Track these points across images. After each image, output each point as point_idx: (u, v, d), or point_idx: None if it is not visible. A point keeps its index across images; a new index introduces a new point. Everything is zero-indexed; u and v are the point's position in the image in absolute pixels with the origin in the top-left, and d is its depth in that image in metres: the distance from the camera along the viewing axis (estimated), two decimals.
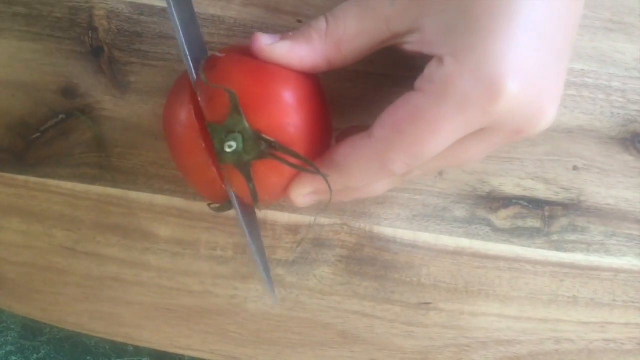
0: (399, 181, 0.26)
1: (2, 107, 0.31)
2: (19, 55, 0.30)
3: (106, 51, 0.30)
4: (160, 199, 0.31)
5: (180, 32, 0.24)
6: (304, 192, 0.25)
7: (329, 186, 0.24)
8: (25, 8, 0.30)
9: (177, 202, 0.31)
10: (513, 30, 0.21)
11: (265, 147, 0.23)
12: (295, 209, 0.31)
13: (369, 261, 0.32)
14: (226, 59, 0.24)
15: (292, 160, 0.23)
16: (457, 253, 0.32)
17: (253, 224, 0.29)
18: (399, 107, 0.22)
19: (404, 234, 0.32)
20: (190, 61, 0.25)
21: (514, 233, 0.32)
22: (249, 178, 0.24)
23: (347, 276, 0.32)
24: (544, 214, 0.32)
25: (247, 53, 0.25)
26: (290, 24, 0.30)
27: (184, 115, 0.24)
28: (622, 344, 0.32)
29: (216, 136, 0.24)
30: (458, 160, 0.24)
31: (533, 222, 0.32)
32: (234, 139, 0.23)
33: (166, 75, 0.30)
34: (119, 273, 0.32)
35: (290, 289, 0.32)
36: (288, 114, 0.23)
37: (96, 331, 0.33)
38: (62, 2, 0.30)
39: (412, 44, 0.23)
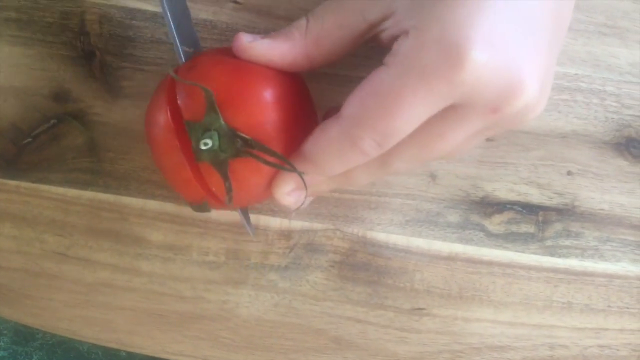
0: (380, 170, 0.25)
1: None
2: (10, 60, 0.30)
3: (98, 56, 0.30)
4: (152, 204, 0.31)
5: (172, 26, 0.25)
6: (286, 190, 0.25)
7: (304, 183, 0.23)
8: (17, 13, 0.30)
9: (169, 207, 0.31)
10: (480, 1, 0.20)
11: (241, 145, 0.23)
12: (287, 214, 0.31)
13: (362, 266, 0.32)
14: (206, 58, 0.25)
15: (269, 158, 0.23)
16: (451, 258, 0.31)
17: None
18: (364, 84, 0.22)
19: (397, 239, 0.31)
20: (181, 52, 0.25)
21: (508, 238, 0.31)
22: (225, 176, 0.24)
23: (340, 281, 0.32)
24: (538, 219, 0.31)
25: (229, 54, 0.25)
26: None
27: (161, 116, 0.24)
28: (617, 350, 0.32)
29: (193, 134, 0.23)
30: (437, 147, 0.23)
31: (527, 228, 0.31)
32: (210, 137, 0.23)
33: (158, 79, 0.30)
34: (110, 278, 0.32)
35: (283, 294, 0.32)
36: (265, 112, 0.23)
37: (88, 337, 0.33)
38: (53, 6, 0.30)
39: (387, 30, 0.23)
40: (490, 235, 0.31)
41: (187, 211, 0.31)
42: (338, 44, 0.24)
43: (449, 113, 0.22)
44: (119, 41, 0.30)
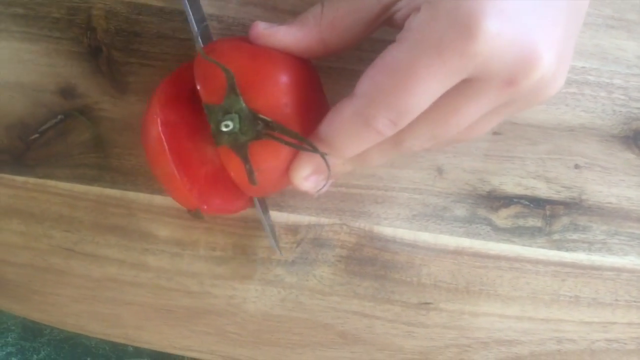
0: (394, 150, 0.25)
1: (1, 108, 0.31)
2: (18, 56, 0.30)
3: (104, 51, 0.30)
4: (159, 200, 0.31)
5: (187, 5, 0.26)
6: (304, 174, 0.25)
7: (327, 164, 0.23)
8: (24, 9, 0.30)
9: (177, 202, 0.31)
10: None
11: (262, 127, 0.23)
12: (294, 209, 0.31)
13: (368, 261, 0.32)
14: (224, 43, 0.25)
15: (290, 140, 0.23)
16: (458, 253, 0.31)
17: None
18: (377, 61, 0.22)
19: (404, 233, 0.31)
20: (196, 27, 0.26)
21: (515, 232, 0.31)
22: (245, 159, 0.24)
23: (347, 276, 0.32)
24: (545, 213, 0.31)
25: (246, 41, 0.25)
26: None
27: (153, 128, 0.25)
28: (625, 343, 0.32)
29: (212, 117, 0.24)
30: (452, 124, 0.23)
31: (534, 222, 0.31)
32: (231, 119, 0.23)
33: (164, 75, 0.30)
34: (118, 274, 0.32)
35: (289, 289, 0.32)
36: (284, 94, 0.23)
37: (96, 332, 0.33)
38: (60, 2, 0.30)
39: (401, 11, 0.23)
40: (497, 229, 0.31)
41: None
42: (353, 28, 0.24)
43: (464, 87, 0.21)
44: (126, 37, 0.30)
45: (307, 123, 0.24)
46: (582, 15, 0.24)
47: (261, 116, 0.23)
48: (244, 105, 0.23)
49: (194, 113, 0.26)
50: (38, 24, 0.30)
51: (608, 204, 0.31)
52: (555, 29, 0.21)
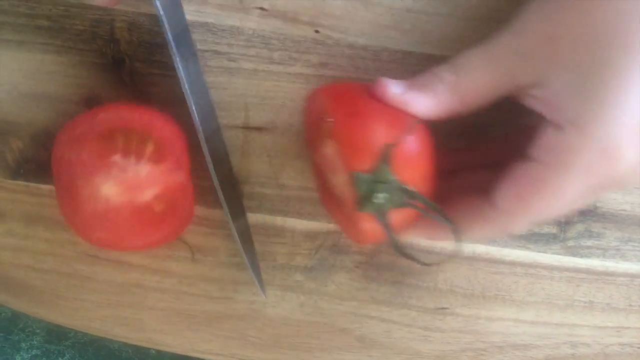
0: None
1: (26, 118, 0.31)
2: (42, 68, 0.31)
3: (127, 62, 0.31)
4: None
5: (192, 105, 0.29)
6: (422, 237, 0.27)
7: (458, 240, 0.24)
8: (48, 21, 0.31)
9: (198, 210, 0.32)
10: (631, 97, 0.21)
11: (407, 197, 0.24)
12: (313, 216, 0.32)
13: (386, 267, 0.32)
14: (364, 107, 0.24)
15: (426, 209, 0.24)
16: (474, 258, 0.32)
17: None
18: (520, 179, 0.23)
19: (420, 239, 0.32)
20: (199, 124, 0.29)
21: (530, 239, 0.32)
22: (388, 227, 0.24)
23: (365, 282, 0.32)
24: (560, 220, 0.32)
25: (368, 93, 0.25)
26: (308, 34, 0.30)
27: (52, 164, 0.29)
28: (638, 347, 0.33)
29: (361, 185, 0.23)
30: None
31: (549, 228, 0.32)
32: (384, 191, 0.23)
33: None
34: (141, 279, 0.32)
35: (309, 294, 0.32)
36: (424, 164, 0.24)
37: (119, 336, 0.34)
38: (84, 14, 0.31)
39: (534, 99, 0.23)
40: (512, 235, 0.32)
41: (215, 214, 0.32)
42: (482, 102, 0.24)
43: None
44: (148, 48, 0.31)
45: (432, 187, 0.25)
46: None
47: (409, 189, 0.23)
48: (394, 178, 0.23)
49: (96, 154, 0.28)
50: (62, 36, 0.31)
51: (622, 211, 0.32)
52: None
